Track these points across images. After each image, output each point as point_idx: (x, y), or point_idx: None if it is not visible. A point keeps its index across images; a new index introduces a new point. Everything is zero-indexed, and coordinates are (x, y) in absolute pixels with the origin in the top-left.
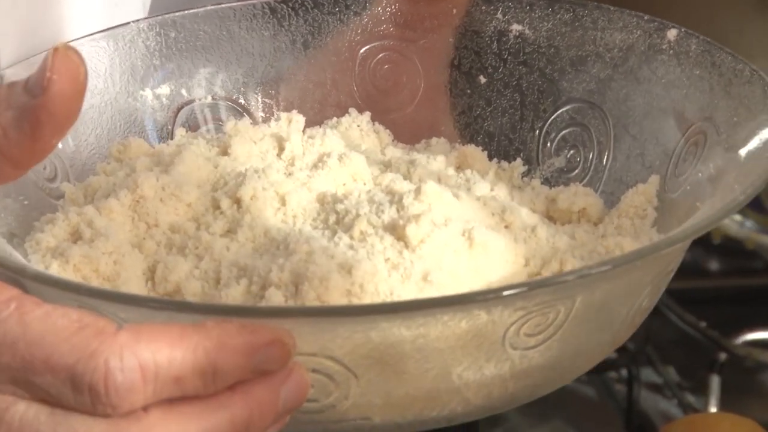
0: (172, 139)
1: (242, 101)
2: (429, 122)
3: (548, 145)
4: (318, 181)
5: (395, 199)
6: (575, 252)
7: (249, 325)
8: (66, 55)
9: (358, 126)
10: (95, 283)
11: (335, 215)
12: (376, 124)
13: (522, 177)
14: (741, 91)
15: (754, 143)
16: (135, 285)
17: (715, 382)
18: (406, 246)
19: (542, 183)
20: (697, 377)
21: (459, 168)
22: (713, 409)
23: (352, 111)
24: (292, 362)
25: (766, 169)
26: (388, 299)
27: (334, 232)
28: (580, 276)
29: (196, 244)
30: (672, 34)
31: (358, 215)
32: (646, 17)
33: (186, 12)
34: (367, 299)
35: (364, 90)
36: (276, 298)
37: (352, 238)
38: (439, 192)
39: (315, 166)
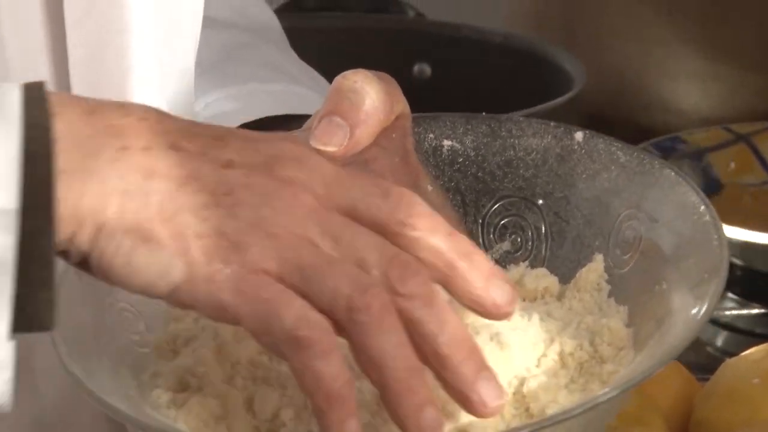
0: None
1: None
2: None
3: (491, 234)
4: None
5: None
6: (566, 332)
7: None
8: None
9: None
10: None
11: None
12: None
13: None
14: (651, 179)
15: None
16: (241, 418)
17: None
18: None
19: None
20: None
21: None
22: None
23: None
24: None
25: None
26: None
27: None
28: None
29: (277, 375)
30: (579, 136)
31: None
32: (552, 124)
33: None
34: None
35: None
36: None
37: None
38: None
39: None
